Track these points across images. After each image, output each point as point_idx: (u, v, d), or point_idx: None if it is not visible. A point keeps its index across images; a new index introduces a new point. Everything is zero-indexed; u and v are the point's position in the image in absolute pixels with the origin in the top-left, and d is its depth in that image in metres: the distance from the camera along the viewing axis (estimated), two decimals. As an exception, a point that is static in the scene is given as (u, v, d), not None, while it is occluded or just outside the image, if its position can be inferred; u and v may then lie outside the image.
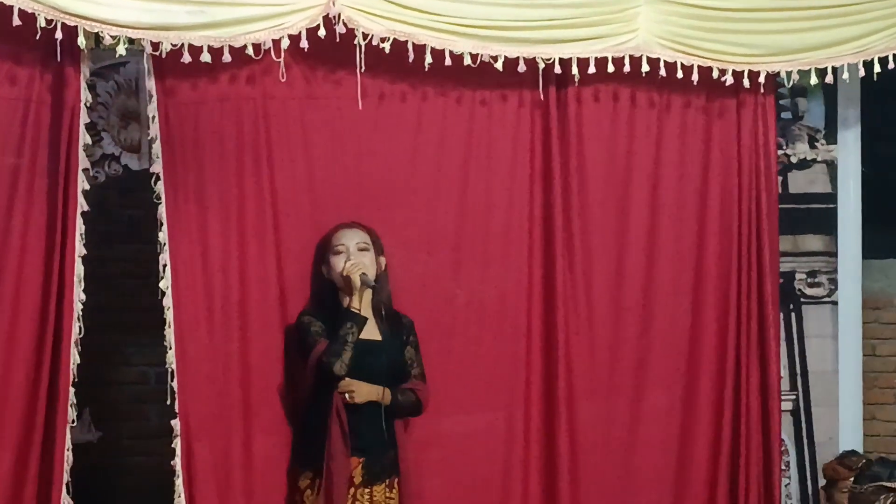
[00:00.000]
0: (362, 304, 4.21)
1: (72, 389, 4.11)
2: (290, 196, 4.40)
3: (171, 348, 4.22)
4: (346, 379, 4.15)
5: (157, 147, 4.23)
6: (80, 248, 4.13)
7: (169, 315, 4.23)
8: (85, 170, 4.17)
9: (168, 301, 4.24)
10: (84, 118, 4.16)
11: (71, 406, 4.11)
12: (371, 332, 4.26)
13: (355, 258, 4.21)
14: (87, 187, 4.16)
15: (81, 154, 4.14)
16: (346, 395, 4.15)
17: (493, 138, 4.63)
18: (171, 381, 4.19)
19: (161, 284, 4.23)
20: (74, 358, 4.12)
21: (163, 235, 4.20)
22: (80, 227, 4.11)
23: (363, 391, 4.18)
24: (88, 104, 4.19)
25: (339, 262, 4.23)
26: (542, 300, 4.66)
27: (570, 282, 4.67)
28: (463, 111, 4.58)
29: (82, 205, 4.14)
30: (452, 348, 4.58)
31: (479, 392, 4.60)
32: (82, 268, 4.13)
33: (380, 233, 4.38)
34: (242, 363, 4.36)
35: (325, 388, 4.19)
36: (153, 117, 4.21)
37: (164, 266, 4.22)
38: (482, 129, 4.61)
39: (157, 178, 4.22)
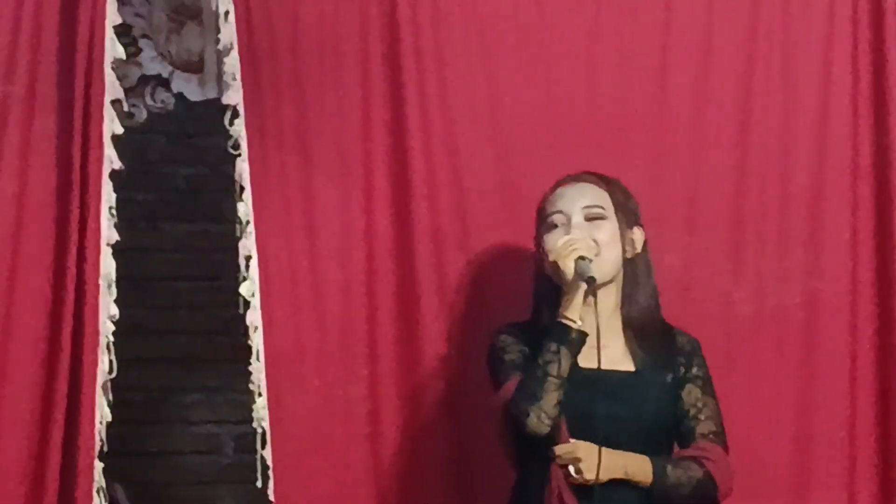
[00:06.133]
0: (598, 310, 3.35)
1: (98, 464, 3.54)
2: (457, 135, 3.73)
3: (259, 395, 3.63)
4: (572, 442, 3.26)
5: (232, 62, 3.67)
6: (108, 232, 3.58)
7: (255, 340, 3.62)
8: (115, 102, 3.67)
9: (255, 317, 3.63)
10: (112, 17, 3.67)
11: (97, 492, 3.54)
12: (617, 358, 3.39)
13: (578, 232, 3.36)
14: (119, 131, 3.63)
15: (108, 76, 3.63)
16: (571, 469, 3.26)
17: (793, 39, 3.88)
18: (262, 448, 3.60)
19: (243, 289, 3.66)
20: (102, 412, 3.55)
21: (244, 209, 3.65)
22: (107, 197, 3.59)
23: (599, 460, 3.28)
24: (119, -7, 3.72)
25: (551, 242, 3.43)
26: (875, 313, 3.83)
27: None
28: (743, -6, 3.90)
29: (111, 160, 3.62)
30: (729, 391, 3.66)
31: (769, 465, 3.76)
32: (113, 264, 3.58)
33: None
34: (374, 417, 3.65)
35: (532, 456, 3.32)
36: (226, 13, 3.67)
37: (248, 259, 3.66)
38: (773, 22, 3.84)
39: (235, 115, 3.67)
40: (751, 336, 3.81)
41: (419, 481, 3.60)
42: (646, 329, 3.41)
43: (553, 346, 3.29)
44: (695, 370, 3.44)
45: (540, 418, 3.26)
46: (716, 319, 3.76)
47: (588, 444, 3.28)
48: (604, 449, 3.28)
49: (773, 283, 3.82)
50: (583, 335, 3.30)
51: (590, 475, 3.28)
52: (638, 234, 3.45)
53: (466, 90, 3.70)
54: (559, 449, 3.27)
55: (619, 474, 3.30)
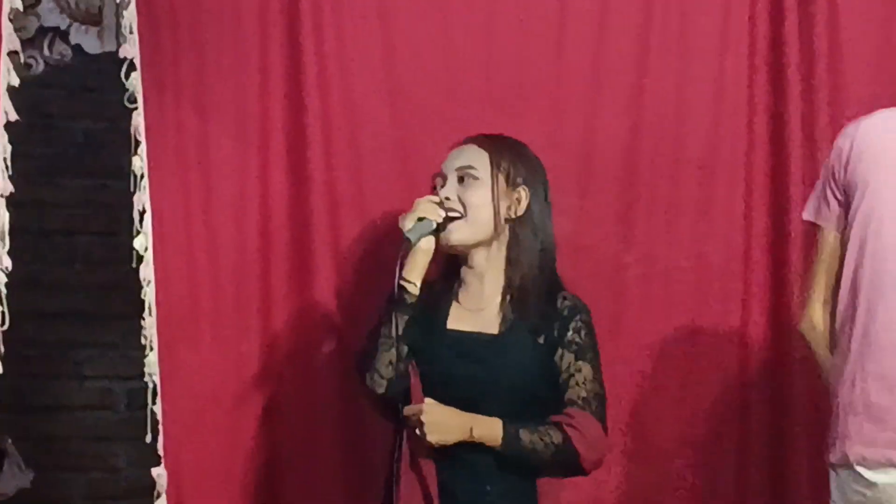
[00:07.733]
0: (477, 271, 3.32)
1: (-13, 418, 3.49)
2: (355, 95, 3.69)
3: (151, 349, 3.60)
4: (426, 402, 3.21)
5: (130, 16, 3.64)
6: (2, 184, 3.50)
7: (148, 294, 3.60)
8: (11, 53, 3.56)
9: (147, 272, 3.61)
10: (8, -34, 3.45)
11: (-14, 445, 3.50)
12: (488, 320, 3.29)
13: (449, 193, 3.32)
14: (16, 83, 3.55)
15: (6, 27, 3.52)
16: (417, 429, 3.21)
17: (690, 4, 3.87)
18: (152, 403, 3.58)
19: (136, 244, 3.64)
20: (-8, 366, 3.48)
21: (139, 163, 3.61)
22: (2, 148, 3.50)
23: (443, 422, 3.17)
24: (13, -59, 3.46)
25: None
26: (769, 279, 3.84)
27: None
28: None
29: (6, 112, 3.52)
30: (617, 355, 3.69)
31: (657, 428, 3.79)
32: (7, 216, 3.50)
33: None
34: (266, 373, 3.63)
35: (390, 418, 3.30)
36: (123, -36, 3.57)
37: (142, 213, 3.63)
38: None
39: (131, 68, 3.63)
40: (640, 299, 3.77)
41: (311, 437, 3.59)
42: (525, 291, 3.30)
43: (389, 308, 3.26)
44: (570, 335, 3.31)
45: (373, 378, 3.23)
46: (605, 282, 3.72)
47: (436, 404, 3.21)
48: (449, 409, 3.21)
49: (663, 247, 3.79)
50: (410, 297, 3.26)
51: (432, 436, 3.19)
52: (523, 195, 3.32)
53: (364, 50, 3.67)
54: (407, 409, 3.23)
55: (464, 436, 3.21)
